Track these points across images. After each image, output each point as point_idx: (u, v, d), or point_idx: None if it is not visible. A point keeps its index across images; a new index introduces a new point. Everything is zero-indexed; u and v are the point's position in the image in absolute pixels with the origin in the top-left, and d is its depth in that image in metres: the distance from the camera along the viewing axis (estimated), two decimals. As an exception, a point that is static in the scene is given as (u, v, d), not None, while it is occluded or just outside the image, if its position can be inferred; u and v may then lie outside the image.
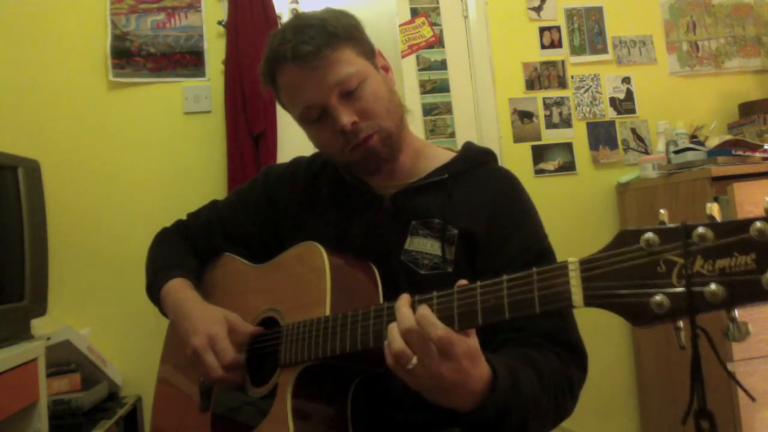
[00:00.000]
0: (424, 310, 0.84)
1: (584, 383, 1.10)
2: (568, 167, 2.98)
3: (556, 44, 3.02)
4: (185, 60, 2.65)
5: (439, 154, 1.29)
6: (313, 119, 1.17)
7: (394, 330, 0.86)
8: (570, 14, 3.05)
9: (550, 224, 1.27)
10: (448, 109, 3.00)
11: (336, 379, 1.08)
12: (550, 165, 2.97)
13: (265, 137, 2.52)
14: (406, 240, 1.18)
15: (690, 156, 2.60)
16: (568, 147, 2.99)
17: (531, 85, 2.99)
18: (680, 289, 0.65)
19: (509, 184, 1.25)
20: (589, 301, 0.73)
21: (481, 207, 1.18)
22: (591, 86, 3.03)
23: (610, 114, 3.04)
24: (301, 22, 1.18)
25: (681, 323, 0.68)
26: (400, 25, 2.84)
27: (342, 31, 1.15)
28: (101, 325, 2.50)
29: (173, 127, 2.65)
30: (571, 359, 1.08)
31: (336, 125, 1.13)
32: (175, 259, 1.38)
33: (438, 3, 3.02)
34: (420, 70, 3.01)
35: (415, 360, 0.84)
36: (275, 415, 1.05)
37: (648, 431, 2.89)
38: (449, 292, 0.87)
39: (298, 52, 1.12)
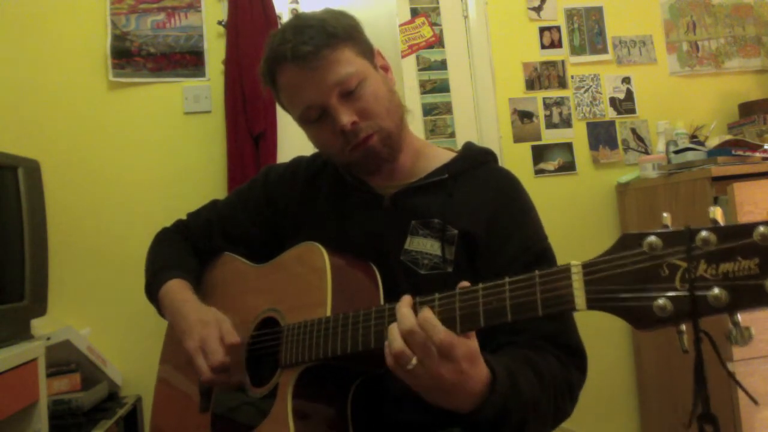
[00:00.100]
0: (426, 313, 0.84)
1: (584, 384, 1.10)
2: (568, 167, 2.98)
3: (556, 44, 3.02)
4: (185, 60, 2.65)
5: (439, 154, 1.29)
6: (313, 119, 1.17)
7: (394, 330, 0.86)
8: (570, 14, 3.05)
9: (550, 224, 1.27)
10: (448, 109, 2.99)
11: (337, 380, 1.08)
12: (550, 165, 2.97)
13: (265, 137, 2.52)
14: (406, 240, 1.18)
15: (690, 156, 2.60)
16: (568, 147, 2.99)
17: (531, 85, 2.99)
18: (683, 293, 0.65)
19: (509, 184, 1.25)
20: (592, 304, 0.73)
21: (481, 207, 1.18)
22: (591, 86, 3.03)
23: (610, 114, 3.04)
24: (300, 22, 1.18)
25: (683, 327, 0.68)
26: (400, 25, 2.84)
27: (341, 32, 1.15)
28: (101, 325, 2.50)
29: (173, 127, 2.65)
30: (570, 361, 1.08)
31: (336, 125, 1.13)
32: (174, 260, 1.38)
33: (438, 3, 3.02)
34: (420, 70, 3.01)
35: (414, 361, 0.84)
36: (276, 415, 1.05)
37: (648, 431, 2.89)
38: (451, 294, 0.87)
39: (297, 52, 1.12)
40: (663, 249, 0.68)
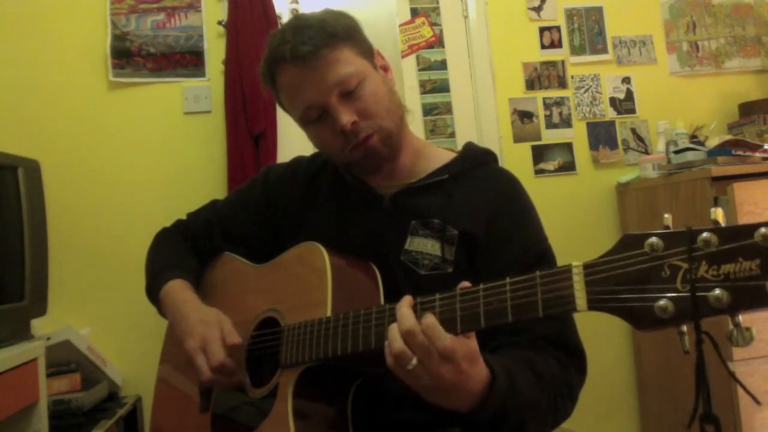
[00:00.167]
0: (429, 319, 0.84)
1: (583, 385, 1.10)
2: (568, 167, 2.98)
3: (556, 44, 3.02)
4: (185, 60, 2.65)
5: (440, 155, 1.29)
6: (313, 119, 1.17)
7: (394, 330, 0.86)
8: (570, 14, 3.05)
9: (550, 224, 1.27)
10: (448, 109, 2.99)
11: (337, 380, 1.08)
12: (550, 165, 2.97)
13: (265, 137, 2.52)
14: (406, 240, 1.18)
15: (690, 156, 2.60)
16: (568, 147, 2.99)
17: (531, 85, 2.99)
18: (684, 294, 0.66)
19: (509, 184, 1.25)
20: (593, 305, 0.73)
21: (481, 207, 1.18)
22: (591, 86, 3.03)
23: (610, 114, 3.04)
24: (300, 22, 1.18)
25: (684, 328, 0.68)
26: (400, 25, 2.84)
27: (341, 31, 1.15)
28: (101, 325, 2.50)
29: (173, 127, 2.65)
30: (570, 362, 1.08)
31: (336, 125, 1.13)
32: (174, 260, 1.38)
33: (438, 3, 3.02)
34: (420, 70, 3.01)
35: (415, 361, 0.84)
36: (276, 415, 1.05)
37: (648, 431, 2.89)
38: (452, 294, 0.87)
39: (297, 52, 1.12)
40: (664, 250, 0.68)
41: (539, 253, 1.17)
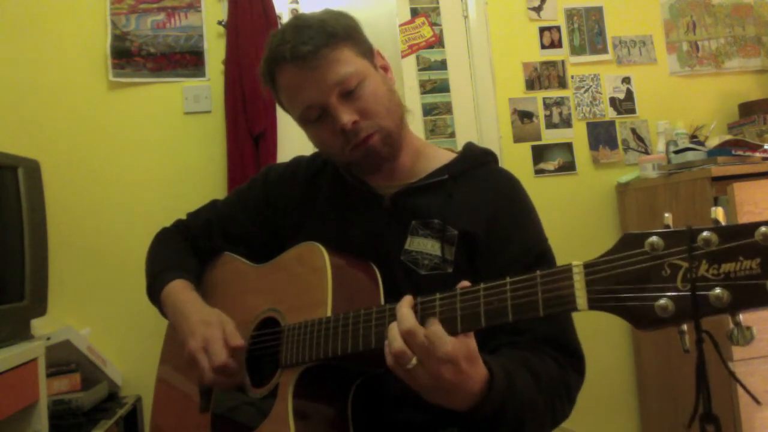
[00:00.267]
0: (435, 326, 0.84)
1: (582, 386, 1.10)
2: (568, 167, 2.98)
3: (556, 44, 3.02)
4: (185, 60, 2.65)
5: (440, 155, 1.29)
6: (313, 119, 1.17)
7: (394, 330, 0.86)
8: (570, 14, 3.05)
9: (550, 224, 1.27)
10: (448, 109, 2.99)
11: (337, 380, 1.08)
12: (550, 165, 2.97)
13: (265, 137, 2.52)
14: (406, 240, 1.18)
15: (690, 156, 2.60)
16: (568, 147, 2.99)
17: (531, 85, 2.99)
18: (685, 293, 0.65)
19: (510, 185, 1.25)
20: (593, 304, 0.73)
21: (481, 208, 1.18)
22: (591, 86, 3.03)
23: (610, 114, 3.04)
24: (299, 22, 1.18)
25: (685, 327, 0.68)
26: (400, 25, 2.84)
27: (341, 31, 1.15)
28: (101, 325, 2.50)
29: (173, 127, 2.65)
30: (568, 363, 1.08)
31: (336, 125, 1.13)
32: (175, 260, 1.38)
33: (438, 3, 3.02)
34: (420, 70, 3.01)
35: (414, 360, 0.84)
36: (276, 415, 1.05)
37: (648, 431, 2.89)
38: (452, 294, 0.87)
39: (296, 52, 1.12)
40: (664, 249, 0.68)
41: (539, 254, 1.17)
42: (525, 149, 2.96)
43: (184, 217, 1.50)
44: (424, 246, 1.17)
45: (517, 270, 0.83)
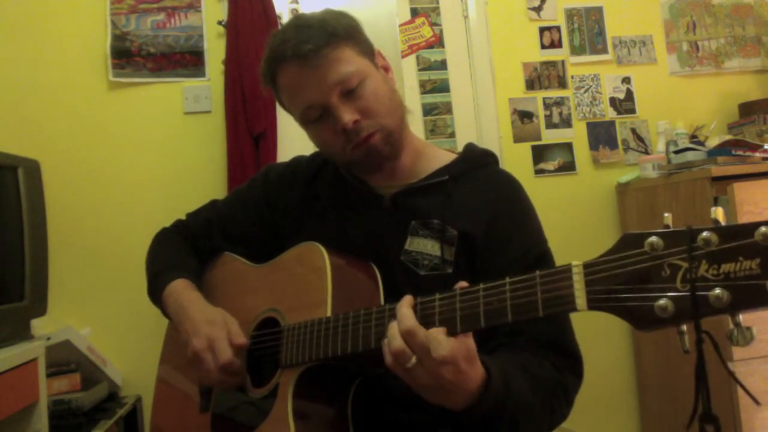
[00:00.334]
0: (438, 334, 0.84)
1: (579, 388, 1.10)
2: (568, 167, 2.98)
3: (556, 44, 3.02)
4: (185, 60, 2.65)
5: (440, 155, 1.29)
6: (314, 119, 1.17)
7: (394, 329, 0.87)
8: (570, 14, 3.05)
9: (550, 224, 1.27)
10: (448, 109, 2.99)
11: (337, 380, 1.08)
12: (550, 165, 2.97)
13: (265, 137, 2.52)
14: (406, 240, 1.18)
15: (690, 156, 2.60)
16: (568, 147, 2.99)
17: (531, 85, 2.99)
18: (684, 293, 0.65)
19: (510, 186, 1.25)
20: (593, 304, 0.73)
21: (481, 209, 1.18)
22: (591, 86, 3.03)
23: (610, 114, 3.04)
24: (300, 22, 1.18)
25: (684, 327, 0.68)
26: (400, 25, 2.84)
27: (342, 31, 1.15)
28: (101, 325, 2.50)
29: (173, 127, 2.65)
30: (565, 365, 1.08)
31: (337, 124, 1.13)
32: (175, 260, 1.37)
33: (438, 3, 3.02)
34: (420, 70, 3.00)
35: (414, 360, 0.84)
36: (276, 415, 1.05)
37: (648, 431, 2.89)
38: (451, 294, 0.87)
39: (298, 51, 1.12)
40: (664, 249, 0.68)
41: (539, 255, 1.17)
42: (525, 149, 2.96)
43: (183, 217, 1.50)
44: (424, 246, 1.17)
45: (516, 271, 0.83)
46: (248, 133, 2.51)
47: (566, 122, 2.99)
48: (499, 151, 2.84)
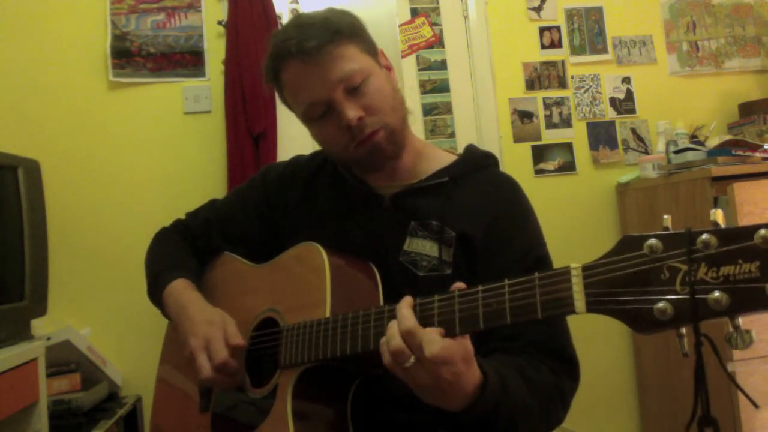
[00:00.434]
0: (431, 332, 0.84)
1: (576, 391, 1.10)
2: (568, 167, 2.98)
3: (556, 44, 3.02)
4: (185, 60, 2.65)
5: (440, 156, 1.29)
6: (317, 116, 1.17)
7: (393, 328, 0.87)
8: (570, 14, 3.05)
9: (550, 225, 1.27)
10: (448, 109, 2.99)
11: (336, 380, 1.08)
12: (550, 165, 2.97)
13: (265, 137, 2.52)
14: (405, 241, 1.18)
15: (690, 156, 2.60)
16: (568, 147, 2.99)
17: (531, 85, 2.99)
18: (684, 296, 0.65)
19: (510, 188, 1.25)
20: (592, 307, 0.73)
21: (480, 211, 1.18)
22: (591, 86, 3.03)
23: (610, 114, 3.04)
24: (304, 20, 1.18)
25: (684, 330, 0.68)
26: (400, 25, 2.83)
27: (345, 29, 1.15)
28: (101, 325, 2.50)
29: (173, 127, 2.65)
30: (561, 368, 1.08)
31: (342, 120, 1.13)
32: (175, 260, 1.37)
33: (438, 3, 3.02)
34: (420, 70, 3.00)
35: (413, 359, 0.84)
36: (275, 415, 1.05)
37: (648, 431, 2.89)
38: (450, 296, 0.87)
39: (302, 47, 1.12)
40: (663, 251, 0.67)
41: (537, 258, 1.17)
42: (525, 149, 2.96)
43: (183, 217, 1.50)
44: (423, 247, 1.17)
45: (515, 273, 0.83)
46: (248, 133, 2.51)
47: (566, 122, 2.99)
48: (499, 151, 2.84)
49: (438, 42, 2.95)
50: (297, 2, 2.69)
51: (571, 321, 1.13)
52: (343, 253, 1.15)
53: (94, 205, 2.56)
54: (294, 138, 2.49)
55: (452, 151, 1.33)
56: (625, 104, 3.05)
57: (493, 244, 1.15)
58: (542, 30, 3.02)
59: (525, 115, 2.96)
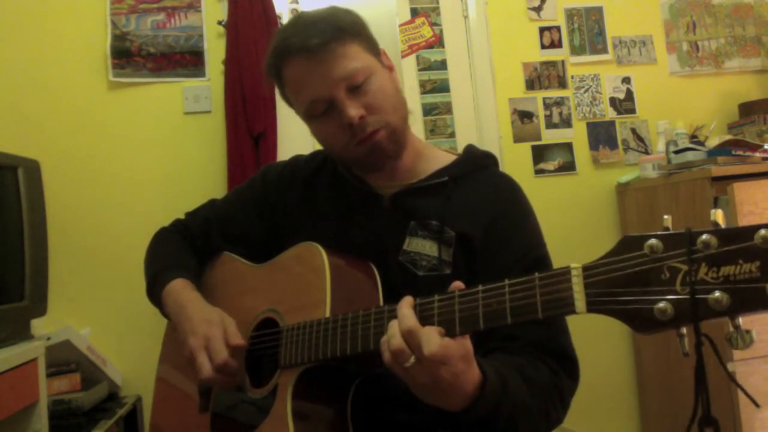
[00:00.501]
0: (429, 331, 0.84)
1: (575, 391, 1.10)
2: (568, 167, 2.98)
3: (556, 44, 3.02)
4: (185, 60, 2.65)
5: (440, 156, 1.29)
6: (319, 113, 1.17)
7: (394, 327, 0.86)
8: (570, 14, 3.05)
9: (550, 224, 1.27)
10: (448, 109, 2.99)
11: (336, 380, 1.07)
12: (550, 165, 2.97)
13: (265, 137, 2.52)
14: (404, 240, 1.18)
15: (690, 156, 2.60)
16: (568, 147, 2.99)
17: (531, 85, 2.99)
18: (684, 296, 0.65)
19: (510, 189, 1.25)
20: (592, 307, 0.73)
21: (480, 210, 1.18)
22: (591, 86, 3.03)
23: (610, 114, 3.04)
24: (307, 17, 1.18)
25: (684, 330, 0.68)
26: (400, 25, 2.84)
27: (348, 27, 1.15)
28: (101, 325, 2.50)
29: (173, 127, 2.65)
30: (561, 368, 1.08)
31: (343, 118, 1.13)
32: (174, 259, 1.37)
33: (438, 3, 3.02)
34: (420, 70, 3.00)
35: (413, 359, 0.84)
36: (275, 415, 1.05)
37: (648, 431, 2.89)
38: (451, 296, 0.87)
39: (305, 45, 1.12)
40: (663, 251, 0.67)
41: (537, 258, 1.17)
42: (525, 149, 2.96)
43: (182, 216, 1.50)
44: (422, 247, 1.16)
45: (515, 273, 0.83)
46: (248, 133, 2.51)
47: (566, 122, 2.99)
48: (499, 151, 2.84)
49: (438, 42, 2.95)
50: (297, 2, 2.69)
51: (571, 321, 1.13)
52: (343, 253, 1.15)
53: (94, 205, 2.56)
54: (294, 138, 2.49)
55: (452, 151, 1.33)
56: (625, 104, 3.05)
57: (493, 244, 1.15)
58: (542, 30, 3.02)
59: (525, 115, 2.96)
